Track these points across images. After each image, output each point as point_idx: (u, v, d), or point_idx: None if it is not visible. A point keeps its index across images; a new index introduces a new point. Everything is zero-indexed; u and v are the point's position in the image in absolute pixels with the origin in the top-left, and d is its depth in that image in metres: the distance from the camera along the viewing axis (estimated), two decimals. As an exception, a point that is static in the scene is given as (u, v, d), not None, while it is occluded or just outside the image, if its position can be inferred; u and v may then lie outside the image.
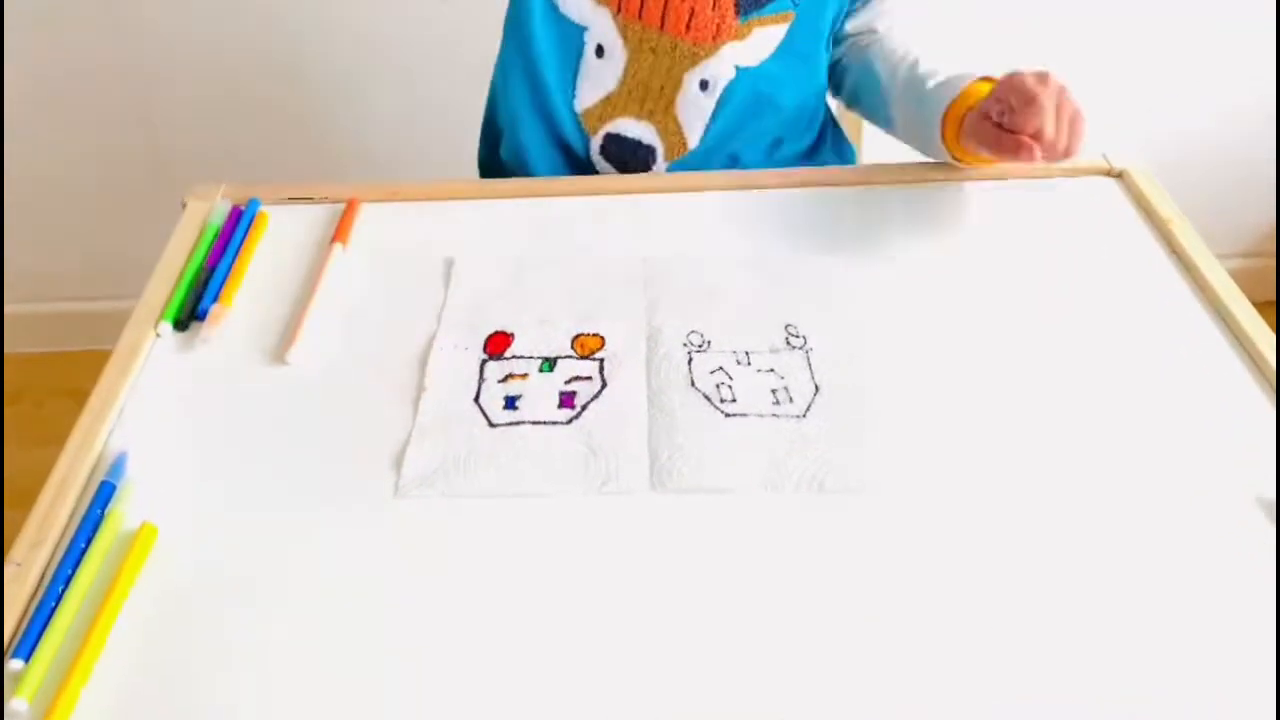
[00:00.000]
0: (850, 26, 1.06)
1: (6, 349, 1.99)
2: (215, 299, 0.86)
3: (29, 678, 0.60)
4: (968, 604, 0.65)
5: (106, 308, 1.96)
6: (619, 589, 0.66)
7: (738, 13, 0.97)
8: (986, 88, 0.91)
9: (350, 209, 0.96)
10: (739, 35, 0.98)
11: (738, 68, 1.00)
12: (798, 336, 0.84)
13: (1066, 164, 1.01)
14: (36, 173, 1.82)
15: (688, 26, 0.97)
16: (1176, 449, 0.74)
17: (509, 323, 0.85)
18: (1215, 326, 0.84)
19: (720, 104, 1.02)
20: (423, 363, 0.81)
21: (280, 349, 0.82)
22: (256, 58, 1.70)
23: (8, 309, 1.96)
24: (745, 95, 1.02)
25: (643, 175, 1.04)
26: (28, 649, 0.61)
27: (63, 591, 0.64)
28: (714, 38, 0.98)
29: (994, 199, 0.99)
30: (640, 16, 0.98)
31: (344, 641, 0.63)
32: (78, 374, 1.86)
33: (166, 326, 0.84)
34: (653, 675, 0.61)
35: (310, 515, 0.70)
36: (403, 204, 0.99)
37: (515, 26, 1.05)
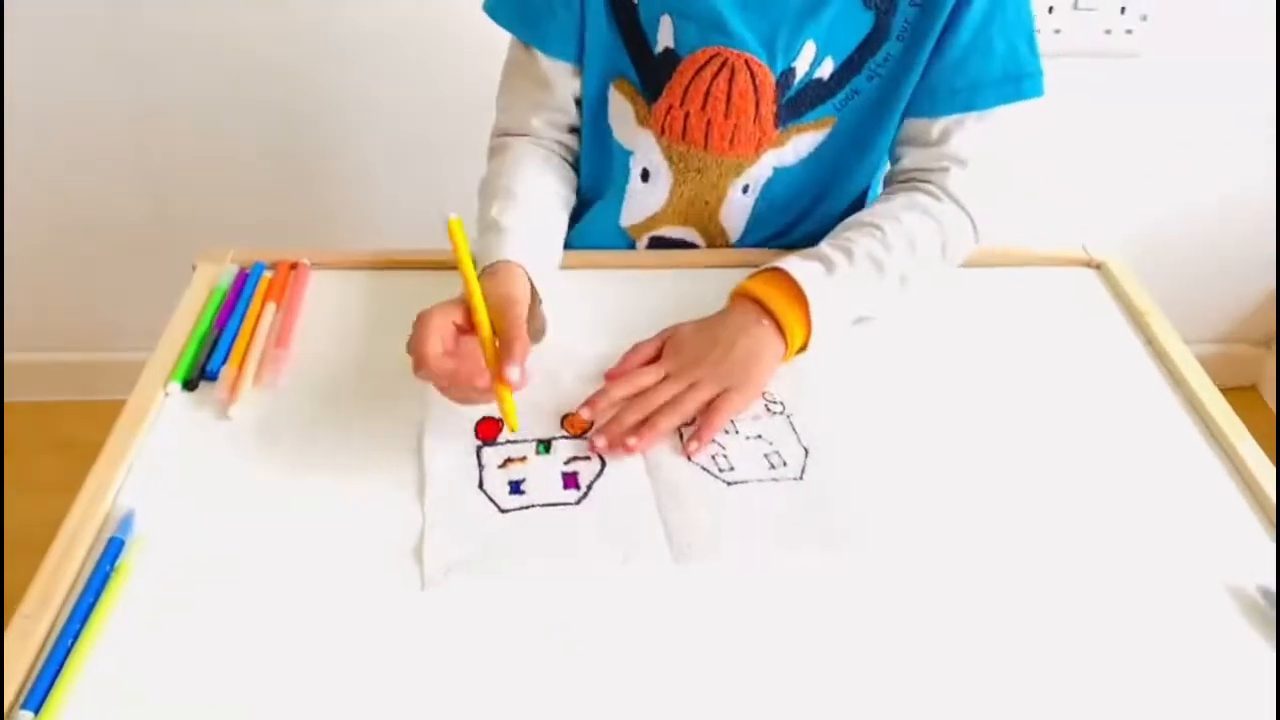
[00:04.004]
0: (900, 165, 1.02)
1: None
2: (224, 361, 0.88)
3: (38, 729, 0.61)
4: (994, 660, 0.68)
5: (95, 359, 1.98)
6: (655, 664, 0.67)
7: (777, 124, 0.98)
8: (758, 285, 0.91)
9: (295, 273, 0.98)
10: (778, 143, 1.00)
11: (775, 168, 1.02)
12: (775, 403, 0.87)
13: (1047, 254, 1.06)
14: (29, 222, 1.84)
15: (731, 143, 0.98)
16: (1147, 534, 0.77)
17: (493, 407, 0.83)
18: (1187, 415, 0.88)
19: (758, 200, 1.04)
20: (414, 440, 0.82)
21: (277, 420, 0.84)
22: (262, 115, 1.75)
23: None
24: (782, 190, 1.03)
25: (610, 252, 1.06)
26: (37, 701, 0.62)
27: (72, 645, 0.66)
28: (756, 149, 1.00)
29: (972, 285, 1.02)
30: (684, 138, 0.99)
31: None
32: (64, 424, 1.87)
33: (175, 386, 0.86)
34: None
35: (330, 609, 0.70)
36: (402, 272, 1.01)
37: None
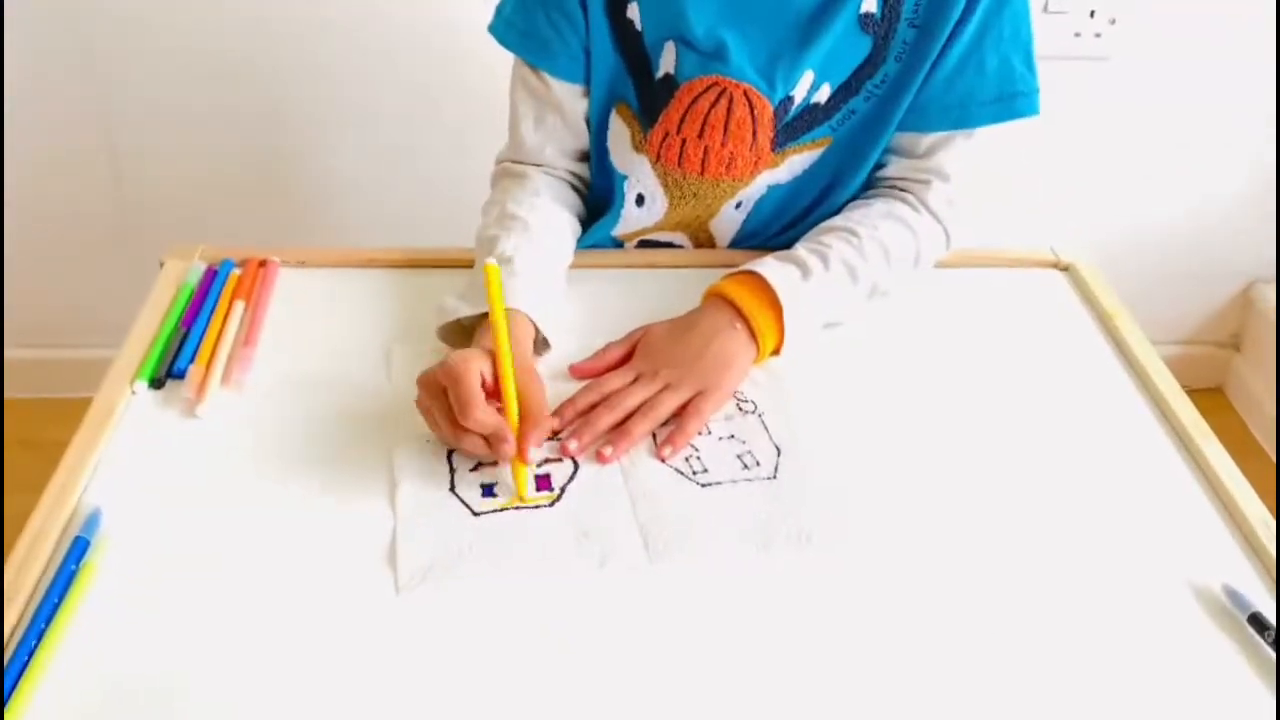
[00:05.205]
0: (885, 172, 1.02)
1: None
2: (191, 359, 0.87)
3: (1, 731, 0.60)
4: (965, 655, 0.68)
5: (60, 356, 1.96)
6: (633, 665, 0.66)
7: (773, 148, 0.98)
8: (733, 287, 0.91)
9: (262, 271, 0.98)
10: (774, 164, 0.99)
11: (769, 186, 1.02)
12: (746, 401, 0.87)
13: (1015, 255, 1.07)
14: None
15: (727, 168, 0.99)
16: (1114, 534, 0.78)
17: None
18: (1154, 417, 0.89)
19: (750, 214, 1.04)
20: (383, 441, 0.81)
21: (244, 420, 0.83)
22: (231, 113, 1.73)
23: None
24: (773, 204, 1.04)
25: (595, 251, 1.06)
26: (2, 702, 0.62)
27: (36, 645, 0.65)
28: (752, 173, 1.00)
29: (942, 285, 1.02)
30: (680, 165, 0.99)
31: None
32: (30, 422, 1.85)
33: (142, 385, 0.85)
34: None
35: (301, 611, 0.69)
36: (372, 270, 1.01)
37: None
